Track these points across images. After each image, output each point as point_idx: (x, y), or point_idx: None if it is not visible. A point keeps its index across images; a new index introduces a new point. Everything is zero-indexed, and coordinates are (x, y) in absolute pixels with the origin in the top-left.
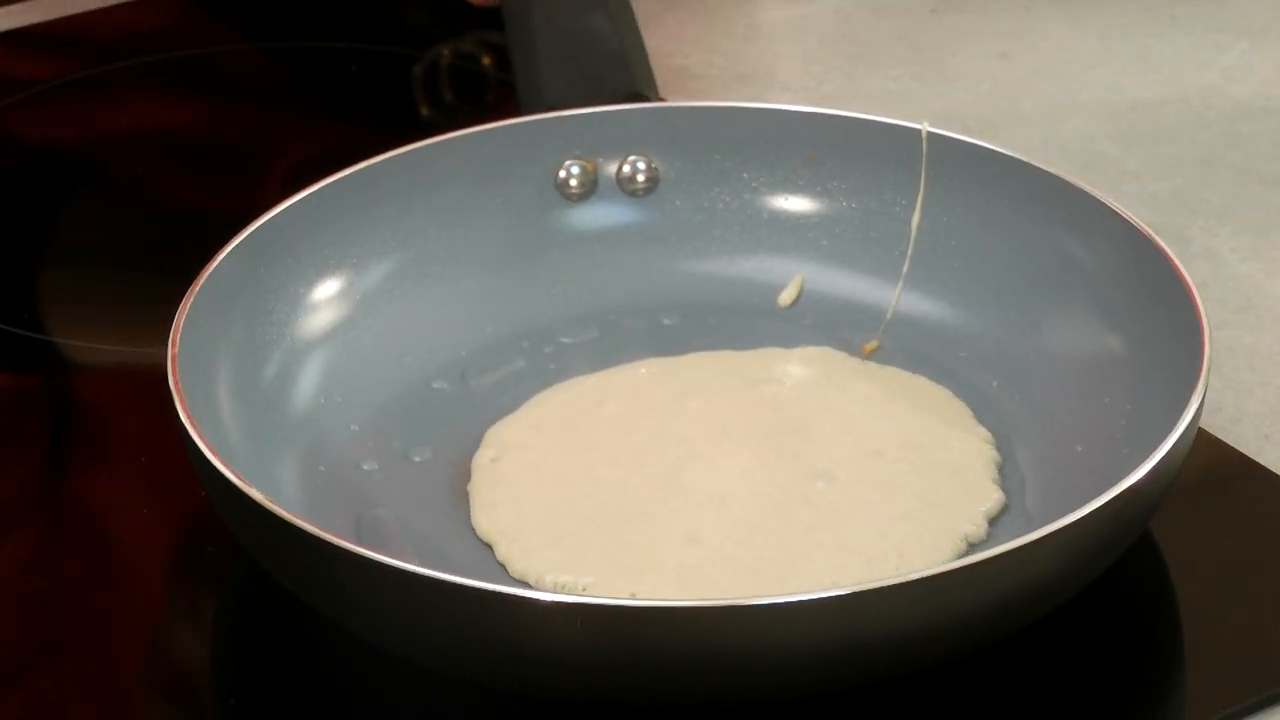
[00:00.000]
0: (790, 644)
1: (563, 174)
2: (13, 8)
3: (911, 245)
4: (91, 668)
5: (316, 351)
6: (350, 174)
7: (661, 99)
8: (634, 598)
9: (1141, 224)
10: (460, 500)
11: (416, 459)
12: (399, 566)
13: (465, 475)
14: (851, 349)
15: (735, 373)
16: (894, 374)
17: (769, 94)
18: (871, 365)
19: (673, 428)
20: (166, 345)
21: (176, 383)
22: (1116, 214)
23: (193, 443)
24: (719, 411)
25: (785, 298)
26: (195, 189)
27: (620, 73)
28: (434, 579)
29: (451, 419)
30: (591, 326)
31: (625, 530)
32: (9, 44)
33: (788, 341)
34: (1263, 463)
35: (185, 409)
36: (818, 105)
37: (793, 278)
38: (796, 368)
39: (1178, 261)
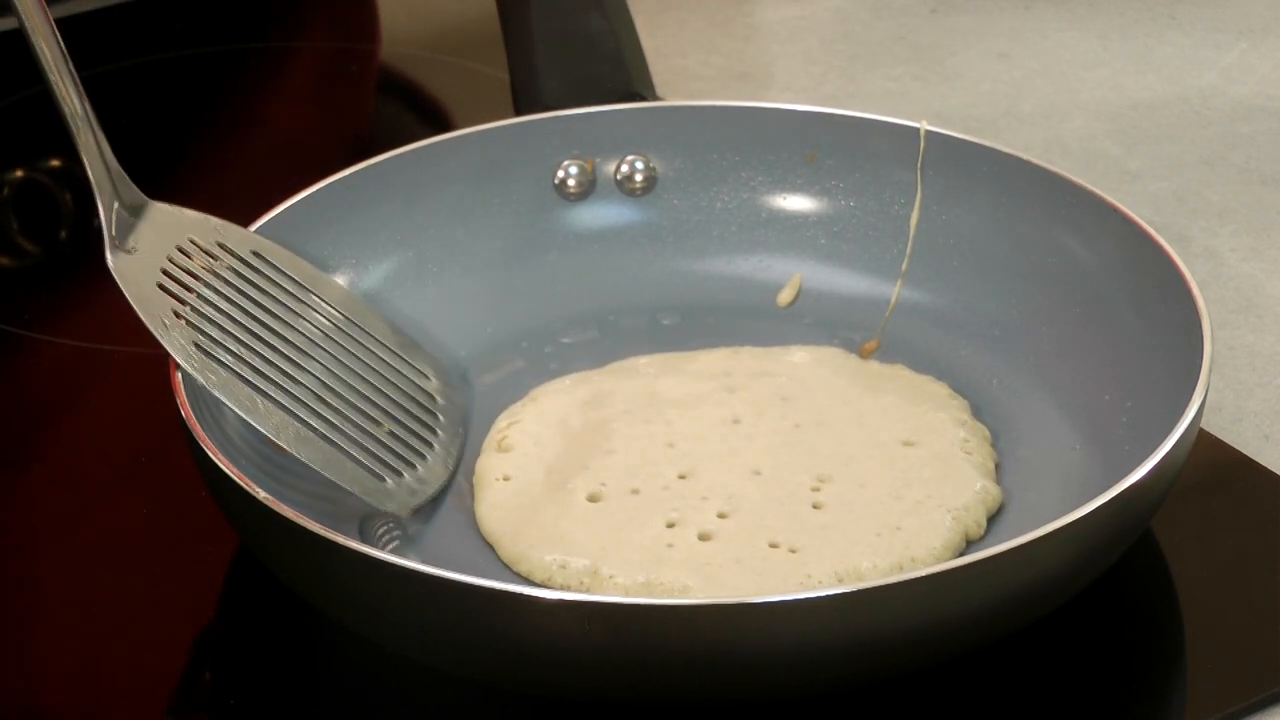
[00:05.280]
0: (794, 642)
1: (561, 174)
2: None
3: (910, 244)
4: (91, 668)
5: None
6: (350, 174)
7: (659, 98)
8: (647, 598)
9: (1142, 222)
10: (463, 500)
11: None
12: (408, 567)
13: (467, 474)
14: (851, 347)
15: (740, 369)
16: (895, 371)
17: (769, 94)
18: (873, 363)
19: (680, 423)
20: None
21: (179, 384)
22: (1117, 212)
23: (197, 444)
24: (725, 407)
25: (784, 297)
26: (195, 188)
27: (617, 72)
28: (442, 579)
29: None
30: (591, 326)
31: (634, 527)
32: (9, 44)
33: (788, 340)
34: (1263, 463)
35: (188, 410)
36: (816, 105)
37: (791, 277)
38: (800, 365)
39: (1179, 260)
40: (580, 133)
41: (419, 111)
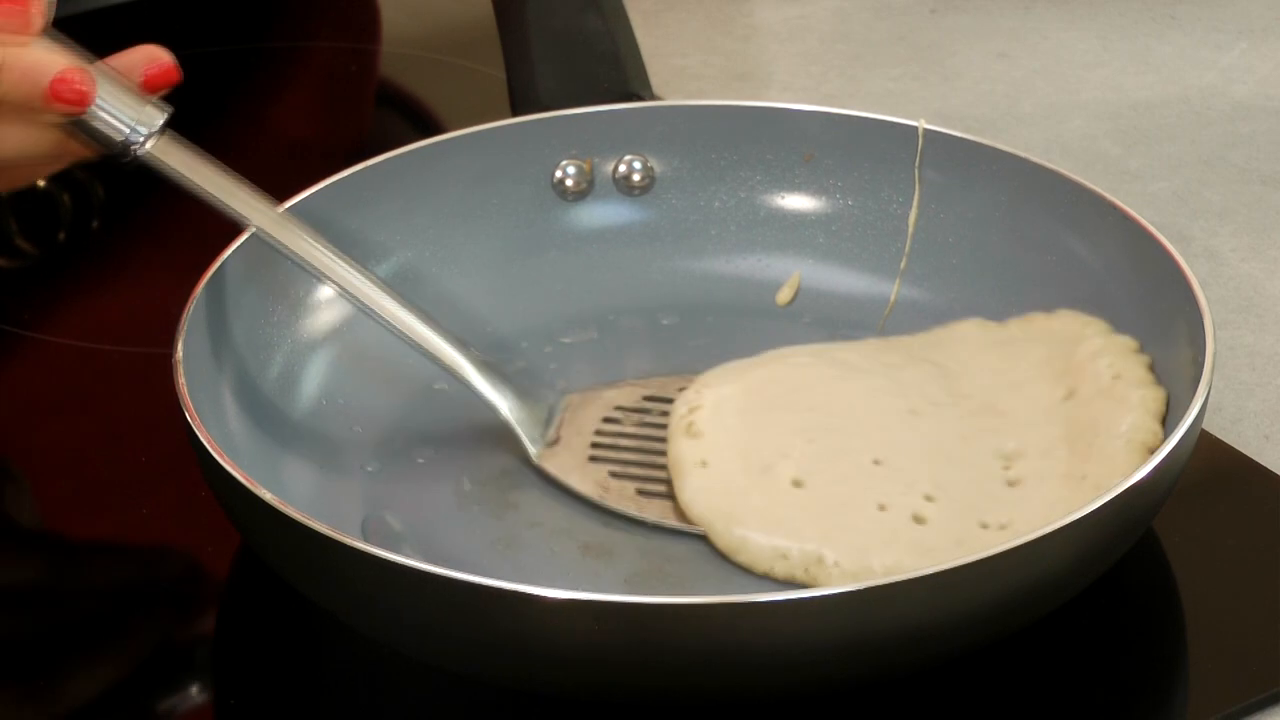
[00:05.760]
0: (795, 641)
1: (559, 174)
2: None
3: (909, 242)
4: (91, 666)
5: (318, 353)
6: (350, 174)
7: (656, 97)
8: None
9: (1143, 221)
10: (464, 500)
11: (419, 460)
12: (413, 566)
13: (468, 475)
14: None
15: (897, 356)
16: (1028, 323)
17: (768, 94)
18: (1011, 324)
19: (857, 412)
20: (168, 346)
21: (182, 386)
22: (1118, 210)
23: (200, 444)
24: (893, 395)
25: (783, 296)
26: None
27: (614, 72)
28: (447, 578)
29: (453, 420)
30: (591, 326)
31: (849, 511)
32: None
33: (787, 339)
34: (1263, 463)
35: (192, 412)
36: (816, 105)
37: (790, 276)
38: (945, 343)
39: (1180, 259)
40: (578, 133)
41: (417, 112)
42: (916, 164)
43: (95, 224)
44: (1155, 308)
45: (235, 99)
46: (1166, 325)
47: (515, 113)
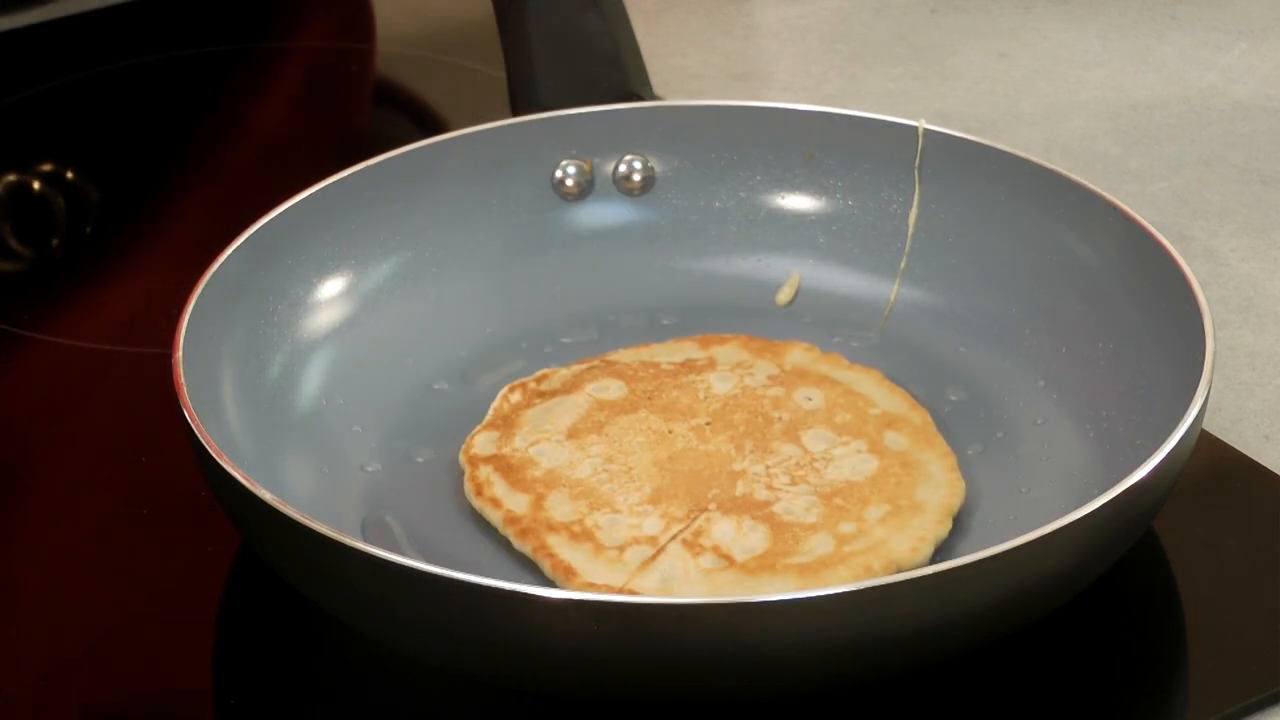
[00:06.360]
0: (794, 642)
1: (559, 174)
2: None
3: (909, 242)
4: (91, 668)
5: (318, 353)
6: (349, 175)
7: (656, 98)
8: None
9: (1143, 220)
10: (464, 500)
11: (419, 460)
12: (413, 566)
13: (468, 474)
14: (848, 346)
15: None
16: None
17: (768, 94)
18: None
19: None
20: (167, 346)
21: (181, 386)
22: (1118, 210)
23: (200, 444)
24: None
25: (783, 296)
26: (196, 189)
27: (614, 72)
28: (449, 578)
29: (453, 420)
30: (591, 326)
31: None
32: (9, 44)
33: (787, 339)
34: (1263, 463)
35: (192, 412)
36: (816, 105)
37: (790, 276)
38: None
39: (1180, 259)
40: (578, 132)
41: (417, 112)
42: (916, 164)
43: (88, 230)
44: (1155, 308)
45: (234, 99)
46: (1166, 325)
47: (515, 113)
